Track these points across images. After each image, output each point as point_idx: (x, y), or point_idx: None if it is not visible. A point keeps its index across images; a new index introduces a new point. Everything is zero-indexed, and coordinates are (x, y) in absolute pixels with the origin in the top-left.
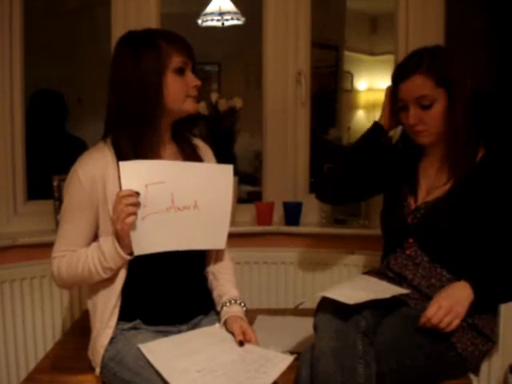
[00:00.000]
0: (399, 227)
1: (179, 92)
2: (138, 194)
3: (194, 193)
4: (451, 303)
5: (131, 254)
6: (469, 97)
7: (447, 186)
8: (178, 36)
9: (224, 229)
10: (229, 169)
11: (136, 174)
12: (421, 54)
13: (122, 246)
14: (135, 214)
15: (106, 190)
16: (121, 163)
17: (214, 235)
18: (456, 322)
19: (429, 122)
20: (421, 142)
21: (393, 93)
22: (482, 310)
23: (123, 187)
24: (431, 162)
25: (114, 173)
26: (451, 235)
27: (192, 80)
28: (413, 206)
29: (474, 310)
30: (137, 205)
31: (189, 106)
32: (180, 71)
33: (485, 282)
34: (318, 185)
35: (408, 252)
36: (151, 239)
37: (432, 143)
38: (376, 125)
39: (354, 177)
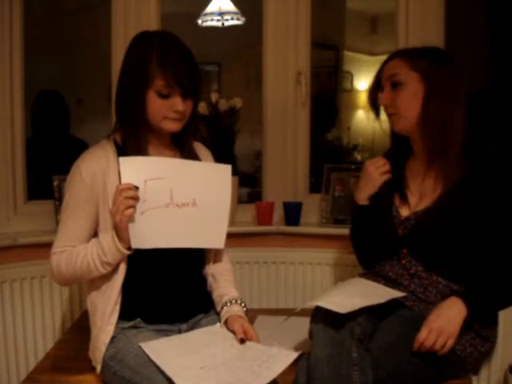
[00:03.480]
0: (390, 238)
1: (157, 112)
2: (137, 188)
3: (192, 190)
4: (442, 324)
5: (130, 248)
6: (463, 100)
7: (436, 194)
8: (174, 56)
9: (222, 229)
10: (227, 169)
11: (135, 169)
12: (412, 48)
13: (120, 240)
14: (134, 207)
15: (106, 186)
16: (120, 158)
17: (213, 234)
18: (450, 343)
19: (398, 105)
20: (394, 128)
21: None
22: (480, 321)
23: (123, 181)
24: (417, 164)
25: (115, 169)
26: (443, 245)
27: (174, 104)
28: (402, 217)
29: (471, 322)
30: (136, 198)
31: (166, 126)
32: (161, 95)
33: (476, 294)
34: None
35: (403, 262)
36: (149, 234)
37: (405, 130)
38: (358, 207)
39: (369, 245)
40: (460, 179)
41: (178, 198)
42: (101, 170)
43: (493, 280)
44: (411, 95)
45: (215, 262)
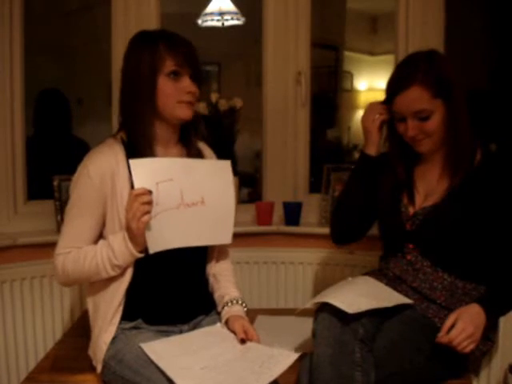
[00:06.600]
0: (398, 234)
1: (170, 97)
2: (150, 192)
3: (200, 189)
4: (474, 330)
5: (142, 251)
6: (465, 101)
7: (443, 192)
8: (180, 41)
9: (229, 224)
10: (227, 164)
11: (146, 171)
12: (414, 64)
13: (134, 244)
14: (150, 212)
15: (115, 186)
16: (131, 161)
17: (221, 230)
18: (472, 347)
19: (429, 132)
20: (420, 151)
21: (387, 105)
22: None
23: (136, 185)
24: (429, 167)
25: (124, 169)
26: (451, 240)
27: (186, 85)
28: (411, 212)
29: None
30: (151, 203)
31: (180, 112)
32: (173, 75)
33: (494, 306)
34: (331, 229)
35: (409, 257)
36: (163, 237)
37: (432, 151)
38: (364, 156)
39: (356, 210)
40: (467, 176)
41: (188, 197)
42: (110, 170)
43: (507, 286)
44: (440, 122)
45: (217, 261)
